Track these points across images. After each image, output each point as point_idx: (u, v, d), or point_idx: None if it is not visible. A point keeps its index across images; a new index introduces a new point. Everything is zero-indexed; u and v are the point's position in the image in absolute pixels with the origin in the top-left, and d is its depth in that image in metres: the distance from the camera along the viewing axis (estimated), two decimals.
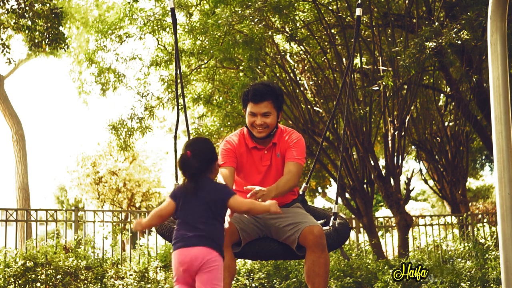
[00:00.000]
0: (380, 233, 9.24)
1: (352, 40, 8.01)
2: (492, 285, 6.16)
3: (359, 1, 3.59)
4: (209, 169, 2.76)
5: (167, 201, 2.78)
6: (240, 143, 3.43)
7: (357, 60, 8.22)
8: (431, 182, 12.36)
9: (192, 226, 2.69)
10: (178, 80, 3.74)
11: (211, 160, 2.78)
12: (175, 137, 3.79)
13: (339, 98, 3.84)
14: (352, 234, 8.99)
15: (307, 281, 3.18)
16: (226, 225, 2.83)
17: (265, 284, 6.56)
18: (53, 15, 8.06)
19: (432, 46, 6.38)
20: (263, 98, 3.29)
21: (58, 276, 6.44)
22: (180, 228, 2.74)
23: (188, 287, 2.77)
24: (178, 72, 3.64)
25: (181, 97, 3.70)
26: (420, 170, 11.39)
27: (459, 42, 6.43)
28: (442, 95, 11.15)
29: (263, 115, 3.31)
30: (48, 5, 8.08)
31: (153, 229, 8.61)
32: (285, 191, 3.30)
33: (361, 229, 8.83)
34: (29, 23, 8.21)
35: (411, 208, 17.97)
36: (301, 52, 9.10)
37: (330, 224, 3.41)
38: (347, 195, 9.24)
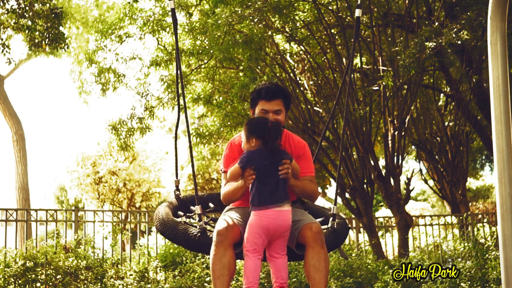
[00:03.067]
0: (380, 233, 9.24)
1: (352, 40, 8.02)
2: (492, 285, 6.16)
3: (359, 2, 3.60)
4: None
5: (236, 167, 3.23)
6: None
7: (357, 60, 8.22)
8: (431, 182, 12.36)
9: (274, 185, 3.18)
10: (179, 80, 3.76)
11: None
12: (176, 137, 3.81)
13: (339, 97, 3.84)
14: (352, 234, 8.99)
15: (308, 278, 3.19)
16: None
17: (265, 284, 6.56)
18: (53, 15, 8.06)
19: (432, 46, 6.38)
20: (275, 96, 3.41)
21: (58, 276, 6.44)
22: (262, 188, 3.17)
23: (260, 255, 3.15)
24: (178, 72, 3.67)
25: (182, 97, 3.70)
26: (420, 170, 11.38)
27: (459, 42, 6.43)
28: (442, 95, 11.16)
29: (275, 112, 3.41)
30: (48, 5, 8.08)
31: (153, 228, 8.62)
32: (302, 192, 3.45)
33: (361, 229, 8.83)
34: (29, 23, 8.21)
35: (411, 208, 17.96)
36: (301, 52, 9.10)
37: (329, 224, 3.43)
38: (347, 195, 9.23)
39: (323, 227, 3.44)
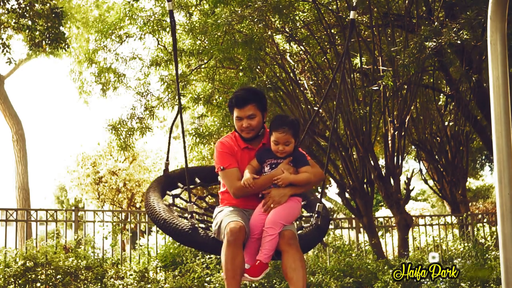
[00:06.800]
0: (380, 233, 9.24)
1: (353, 40, 8.01)
2: (492, 285, 6.16)
3: (354, 4, 3.59)
4: None
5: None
6: (233, 144, 3.63)
7: (357, 60, 8.22)
8: (431, 182, 12.36)
9: None
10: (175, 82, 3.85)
11: None
12: (170, 130, 3.93)
13: (326, 95, 3.86)
14: (352, 234, 9.00)
15: (286, 279, 3.28)
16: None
17: (265, 284, 6.57)
18: (53, 15, 8.06)
19: (432, 46, 6.37)
20: (246, 102, 3.53)
21: (58, 276, 6.44)
22: None
23: None
24: (176, 73, 3.74)
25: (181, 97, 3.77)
26: (420, 170, 11.38)
27: (459, 42, 6.43)
28: (442, 95, 11.16)
29: (248, 117, 3.53)
30: (48, 4, 8.08)
31: (154, 229, 8.62)
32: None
33: (361, 229, 8.83)
34: (29, 23, 8.21)
35: (411, 208, 17.97)
36: (301, 52, 9.10)
37: (313, 221, 3.55)
38: (347, 195, 9.23)
39: (305, 225, 3.64)
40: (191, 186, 3.88)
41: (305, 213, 3.87)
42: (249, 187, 3.38)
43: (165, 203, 3.67)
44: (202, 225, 3.57)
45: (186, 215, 3.61)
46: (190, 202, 3.47)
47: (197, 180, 4.00)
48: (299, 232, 3.50)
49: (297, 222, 3.76)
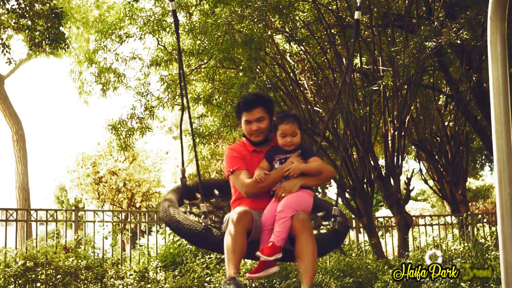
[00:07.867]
0: (380, 233, 9.24)
1: (352, 40, 8.01)
2: (492, 285, 6.16)
3: (358, 4, 3.63)
4: None
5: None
6: (242, 149, 3.66)
7: (357, 60, 8.22)
8: (431, 182, 12.36)
9: None
10: (181, 81, 3.84)
11: None
12: (181, 126, 3.94)
13: (339, 97, 3.87)
14: (352, 234, 8.99)
15: (298, 263, 3.27)
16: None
17: (265, 284, 6.57)
18: (53, 15, 8.06)
19: (432, 46, 6.38)
20: (254, 105, 3.57)
21: (58, 276, 6.44)
22: None
23: None
24: (181, 71, 3.75)
25: (184, 97, 3.79)
26: (420, 170, 11.38)
27: (459, 41, 6.43)
28: (442, 95, 11.16)
29: (257, 120, 3.56)
30: (48, 5, 8.08)
31: (154, 229, 8.63)
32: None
33: (361, 229, 8.83)
34: (29, 23, 8.21)
35: (411, 208, 17.97)
36: (301, 52, 9.10)
37: (330, 226, 3.50)
38: (347, 195, 9.23)
39: (322, 231, 3.57)
40: (209, 197, 3.87)
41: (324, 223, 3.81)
42: (261, 182, 3.38)
43: (181, 209, 3.63)
44: (216, 226, 3.56)
45: (199, 213, 3.60)
46: (203, 201, 3.46)
47: (216, 192, 3.96)
48: (315, 233, 3.46)
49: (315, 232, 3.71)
